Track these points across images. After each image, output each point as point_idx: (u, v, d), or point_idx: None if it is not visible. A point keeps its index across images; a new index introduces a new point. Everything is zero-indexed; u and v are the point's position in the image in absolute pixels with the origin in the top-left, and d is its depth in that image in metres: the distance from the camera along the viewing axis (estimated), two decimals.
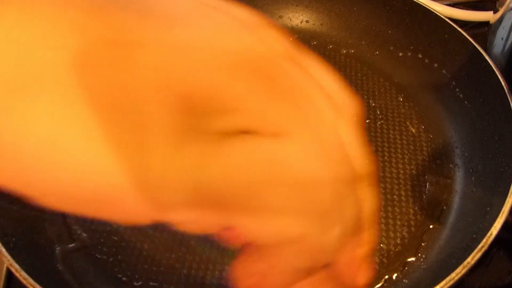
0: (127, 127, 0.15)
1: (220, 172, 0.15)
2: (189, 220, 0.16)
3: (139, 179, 0.15)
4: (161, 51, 0.15)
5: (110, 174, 0.15)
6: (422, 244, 0.36)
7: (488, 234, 0.30)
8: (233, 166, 0.15)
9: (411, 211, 0.38)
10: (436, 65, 0.47)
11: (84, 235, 0.36)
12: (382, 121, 0.45)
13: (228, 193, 0.15)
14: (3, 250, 0.30)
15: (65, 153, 0.15)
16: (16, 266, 0.29)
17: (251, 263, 0.20)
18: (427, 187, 0.39)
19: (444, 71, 0.46)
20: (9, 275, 0.36)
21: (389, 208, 0.38)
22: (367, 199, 0.19)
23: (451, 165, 0.41)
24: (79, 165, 0.15)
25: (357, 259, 0.21)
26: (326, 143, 0.17)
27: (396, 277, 0.34)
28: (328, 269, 0.20)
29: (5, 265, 0.37)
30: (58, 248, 0.35)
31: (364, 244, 0.21)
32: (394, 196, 0.39)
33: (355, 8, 0.52)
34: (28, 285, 0.29)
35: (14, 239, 0.32)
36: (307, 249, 0.18)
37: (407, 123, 0.45)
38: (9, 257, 0.30)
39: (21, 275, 0.29)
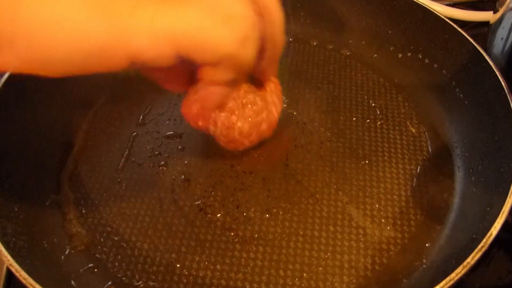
0: None
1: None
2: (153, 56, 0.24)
3: (114, 31, 0.22)
4: None
5: (94, 30, 0.22)
6: (422, 244, 0.36)
7: (488, 234, 0.30)
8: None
9: (411, 211, 0.38)
10: (436, 65, 0.47)
11: (84, 235, 0.36)
12: (382, 121, 0.45)
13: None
14: (3, 250, 0.30)
15: (64, 22, 0.22)
16: (16, 266, 0.29)
17: (192, 95, 0.34)
18: (427, 187, 0.39)
19: (444, 71, 0.46)
20: (9, 275, 0.37)
21: (389, 208, 0.38)
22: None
23: (451, 165, 0.41)
24: (73, 29, 0.22)
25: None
26: None
27: (396, 277, 0.34)
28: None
29: (5, 265, 0.37)
30: (58, 248, 0.35)
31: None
32: (394, 196, 0.39)
33: (355, 8, 0.52)
34: (28, 285, 0.29)
35: (14, 239, 0.32)
36: (233, 64, 0.27)
37: (407, 123, 0.45)
38: (9, 257, 0.30)
39: (21, 275, 0.29)
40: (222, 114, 0.35)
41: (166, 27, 0.24)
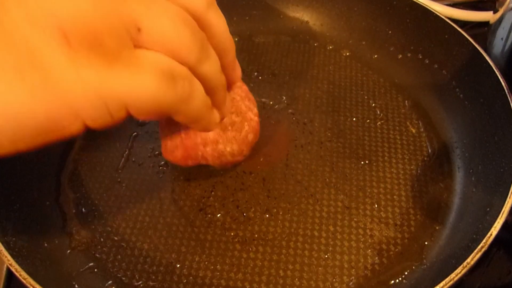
0: (24, 61, 0.20)
1: None
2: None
3: (56, 98, 0.21)
4: None
5: (29, 103, 0.20)
6: (422, 244, 0.36)
7: (488, 234, 0.30)
8: None
9: (411, 211, 0.38)
10: (436, 65, 0.47)
11: (84, 235, 0.36)
12: (382, 121, 0.45)
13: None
14: (3, 250, 0.30)
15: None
16: (16, 266, 0.29)
17: (170, 141, 0.34)
18: (427, 187, 0.39)
19: (444, 72, 0.46)
20: (9, 275, 0.37)
21: (389, 208, 0.38)
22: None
23: (451, 165, 0.41)
24: (12, 111, 0.20)
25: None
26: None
27: (396, 277, 0.34)
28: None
29: (5, 265, 0.37)
30: (58, 247, 0.35)
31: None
32: (394, 196, 0.39)
33: (355, 9, 0.52)
34: (28, 285, 0.29)
35: (14, 239, 0.32)
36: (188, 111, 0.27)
37: (407, 123, 0.45)
38: (9, 257, 0.30)
39: (21, 275, 0.29)
40: (207, 149, 0.34)
41: (114, 93, 0.22)
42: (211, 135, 0.34)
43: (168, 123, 0.34)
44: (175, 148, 0.34)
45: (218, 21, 0.28)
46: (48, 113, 0.21)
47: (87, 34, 0.21)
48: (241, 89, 0.36)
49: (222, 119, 0.33)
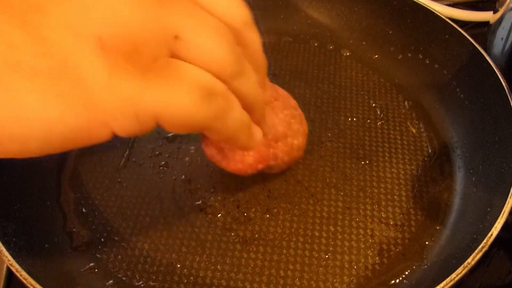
0: (62, 75, 0.20)
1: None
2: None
3: (88, 108, 0.20)
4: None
5: (61, 113, 0.20)
6: (422, 244, 0.36)
7: (489, 234, 0.30)
8: None
9: (412, 211, 0.38)
10: (436, 65, 0.47)
11: (84, 235, 0.36)
12: (382, 121, 0.45)
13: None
14: (4, 249, 0.30)
15: (30, 112, 0.19)
16: (17, 266, 0.29)
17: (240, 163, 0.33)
18: (428, 187, 0.39)
19: (444, 72, 0.46)
20: (9, 275, 0.36)
21: (390, 209, 0.38)
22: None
23: (451, 166, 0.41)
24: (44, 119, 0.20)
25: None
26: None
27: (396, 277, 0.34)
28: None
29: (5, 265, 0.37)
30: (58, 247, 0.35)
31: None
32: (395, 197, 0.39)
33: (355, 9, 0.52)
34: (28, 285, 0.29)
35: (14, 239, 0.32)
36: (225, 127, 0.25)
37: (408, 123, 0.45)
38: (9, 257, 0.30)
39: (22, 275, 0.29)
40: (279, 144, 0.34)
41: (147, 106, 0.21)
42: (280, 129, 0.34)
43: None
44: (246, 154, 0.33)
45: (254, 39, 0.28)
46: (79, 122, 0.20)
47: (125, 43, 0.20)
48: (278, 97, 0.36)
49: (264, 135, 0.31)
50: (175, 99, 0.22)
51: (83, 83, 0.20)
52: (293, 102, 0.37)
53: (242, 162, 0.33)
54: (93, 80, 0.20)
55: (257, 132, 0.30)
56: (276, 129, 0.34)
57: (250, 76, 0.27)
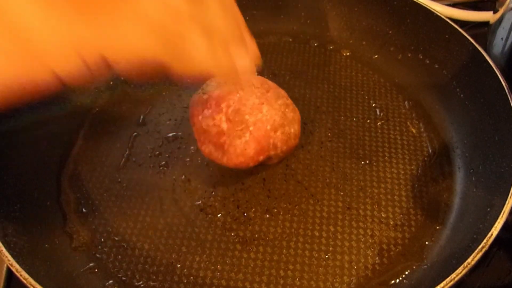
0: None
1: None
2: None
3: (26, 53, 0.20)
4: None
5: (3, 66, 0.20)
6: (423, 244, 0.36)
7: (489, 234, 0.30)
8: None
9: (412, 211, 0.38)
10: (436, 65, 0.47)
11: (84, 235, 0.36)
12: (382, 121, 0.45)
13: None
14: (4, 250, 0.30)
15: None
16: (17, 266, 0.29)
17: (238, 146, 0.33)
18: (428, 187, 0.39)
19: (444, 72, 0.46)
20: (9, 275, 0.36)
21: (390, 209, 0.38)
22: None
23: (451, 166, 0.41)
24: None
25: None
26: None
27: (396, 277, 0.34)
28: None
29: (5, 265, 0.37)
30: (58, 248, 0.35)
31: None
32: (395, 197, 0.39)
33: (355, 9, 0.52)
34: (28, 285, 0.29)
35: (14, 239, 0.32)
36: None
37: (408, 123, 0.45)
38: (9, 257, 0.30)
39: (22, 275, 0.29)
40: (278, 133, 0.35)
41: (90, 42, 0.21)
42: (277, 119, 0.34)
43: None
44: (247, 146, 0.33)
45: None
46: (17, 69, 0.21)
47: None
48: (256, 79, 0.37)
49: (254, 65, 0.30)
50: (120, 34, 0.22)
51: (18, 30, 0.20)
52: (282, 92, 0.37)
53: (243, 155, 0.33)
54: (28, 25, 0.20)
55: (242, 60, 0.28)
56: (274, 119, 0.34)
57: (212, 8, 0.26)
